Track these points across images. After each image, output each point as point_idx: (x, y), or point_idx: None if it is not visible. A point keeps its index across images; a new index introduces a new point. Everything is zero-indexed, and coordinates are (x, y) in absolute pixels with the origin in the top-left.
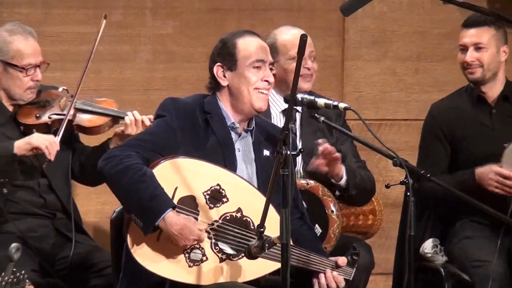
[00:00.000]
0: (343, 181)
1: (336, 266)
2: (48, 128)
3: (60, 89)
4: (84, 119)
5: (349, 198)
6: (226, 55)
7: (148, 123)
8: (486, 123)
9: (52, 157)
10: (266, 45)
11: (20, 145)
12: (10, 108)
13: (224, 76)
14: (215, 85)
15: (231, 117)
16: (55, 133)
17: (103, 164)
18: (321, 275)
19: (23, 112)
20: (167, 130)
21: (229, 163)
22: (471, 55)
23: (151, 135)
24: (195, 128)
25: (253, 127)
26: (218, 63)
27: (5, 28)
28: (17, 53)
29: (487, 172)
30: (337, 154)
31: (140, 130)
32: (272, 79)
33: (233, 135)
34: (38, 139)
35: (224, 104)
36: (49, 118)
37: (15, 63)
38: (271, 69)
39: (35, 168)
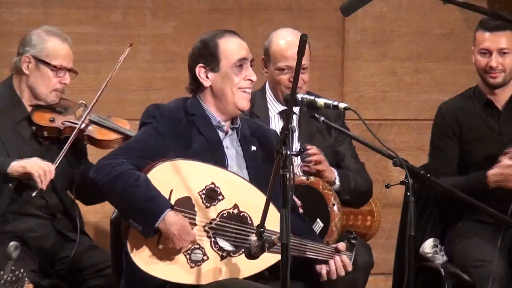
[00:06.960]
0: (336, 186)
1: (336, 252)
2: (59, 133)
3: (79, 102)
4: (96, 131)
5: (343, 201)
6: (208, 55)
7: None
8: (493, 127)
9: (44, 187)
10: (245, 43)
11: (15, 166)
12: (29, 109)
13: (207, 77)
14: (196, 86)
15: (216, 117)
16: (65, 141)
17: (95, 174)
18: (331, 261)
19: (38, 113)
20: (155, 136)
21: (219, 162)
22: (496, 60)
23: (139, 142)
24: (181, 131)
25: (239, 125)
26: (200, 64)
27: (43, 28)
28: (52, 52)
29: (504, 173)
30: (317, 157)
31: None
32: (254, 78)
33: (220, 133)
34: (33, 165)
35: (208, 104)
36: (63, 124)
37: (48, 61)
38: (251, 65)
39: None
